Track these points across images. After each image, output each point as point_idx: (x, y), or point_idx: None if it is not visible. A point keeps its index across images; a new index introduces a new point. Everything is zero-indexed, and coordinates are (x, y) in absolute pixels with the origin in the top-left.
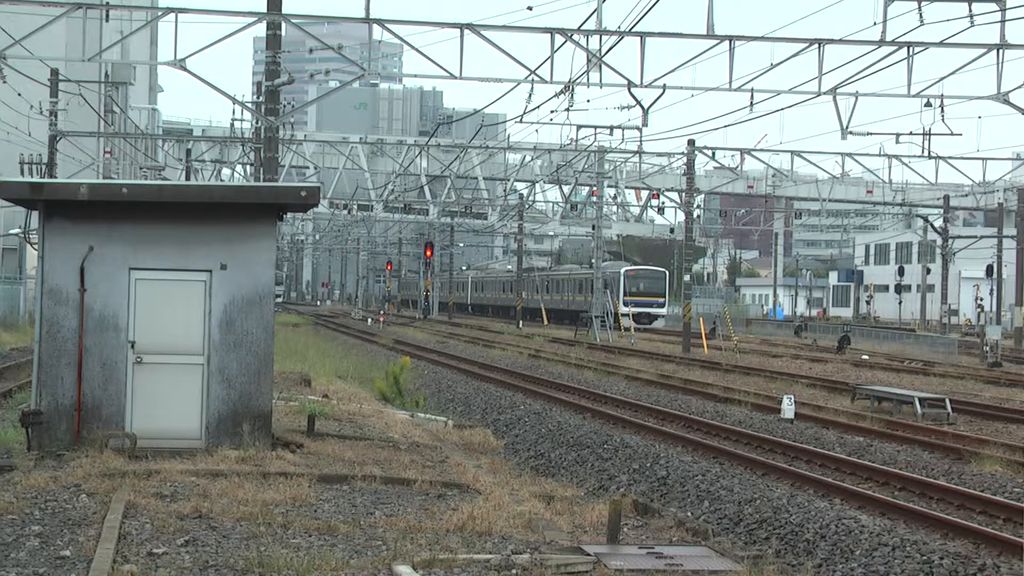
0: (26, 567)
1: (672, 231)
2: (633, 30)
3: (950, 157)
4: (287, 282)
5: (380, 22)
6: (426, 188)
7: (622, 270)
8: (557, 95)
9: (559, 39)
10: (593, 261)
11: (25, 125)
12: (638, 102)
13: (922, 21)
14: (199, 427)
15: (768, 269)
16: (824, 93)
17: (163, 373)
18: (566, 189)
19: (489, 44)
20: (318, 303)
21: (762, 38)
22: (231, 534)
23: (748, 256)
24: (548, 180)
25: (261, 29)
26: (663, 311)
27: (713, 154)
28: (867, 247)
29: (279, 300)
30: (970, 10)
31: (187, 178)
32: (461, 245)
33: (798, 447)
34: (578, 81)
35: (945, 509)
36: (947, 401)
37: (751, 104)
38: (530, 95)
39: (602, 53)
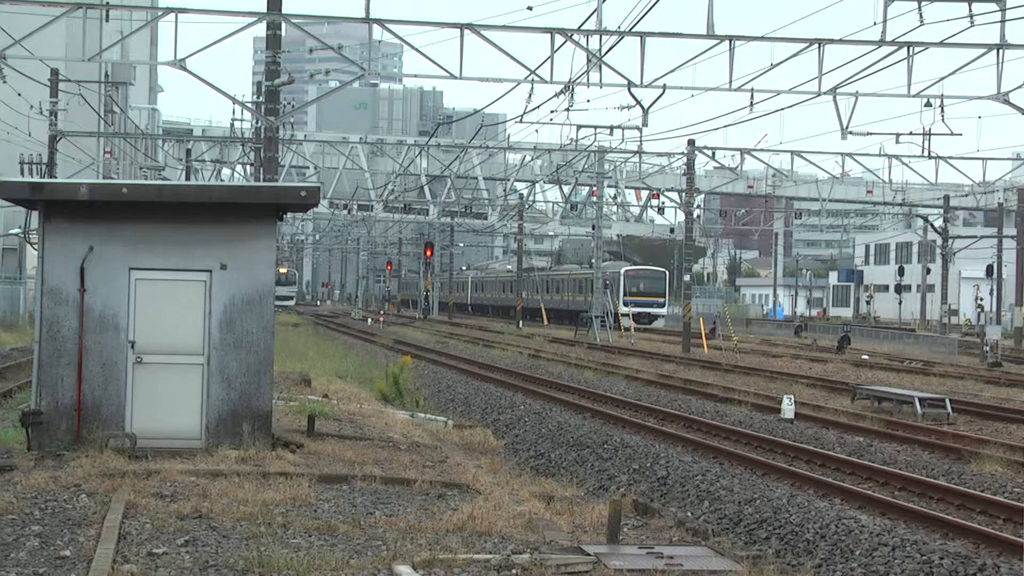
0: (26, 567)
1: (672, 231)
2: (633, 30)
3: (950, 157)
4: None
5: (380, 22)
6: (426, 188)
7: (622, 270)
8: (557, 95)
9: (559, 39)
10: (593, 261)
11: (25, 125)
12: (638, 102)
13: (922, 21)
14: (199, 427)
15: (768, 269)
16: (824, 93)
17: (163, 373)
18: (566, 189)
19: (489, 44)
20: (318, 303)
21: (762, 38)
22: (231, 534)
23: (748, 256)
24: (548, 180)
25: (261, 29)
26: (663, 311)
27: (713, 154)
28: (867, 247)
29: (290, 303)
30: (970, 10)
31: (187, 178)
32: (461, 245)
33: (798, 447)
34: (578, 81)
35: (945, 509)
36: (947, 401)
37: (751, 104)
38: (530, 95)
39: (602, 53)
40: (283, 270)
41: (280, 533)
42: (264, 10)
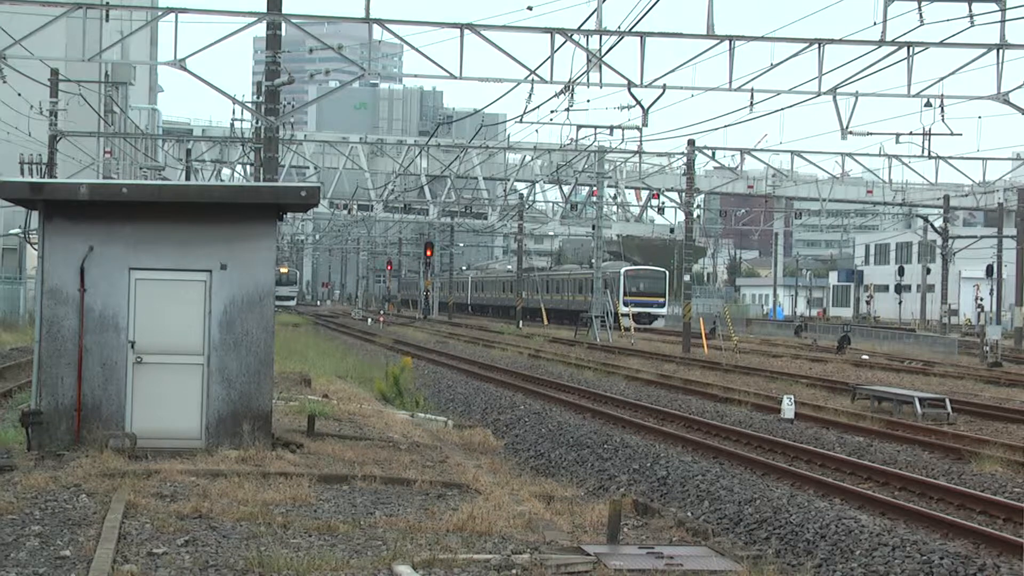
0: (26, 567)
1: (672, 231)
2: (633, 30)
3: (950, 157)
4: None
5: (380, 22)
6: (426, 188)
7: (622, 270)
8: (557, 95)
9: (559, 39)
10: (593, 261)
11: (25, 125)
12: (638, 102)
13: (922, 21)
14: (199, 427)
15: (768, 269)
16: (824, 93)
17: (163, 373)
18: (566, 189)
19: (489, 44)
20: (318, 303)
21: (762, 38)
22: (231, 534)
23: (748, 256)
24: (548, 180)
25: (261, 29)
26: (663, 311)
27: (713, 154)
28: (867, 247)
29: (291, 303)
30: (970, 10)
31: (187, 178)
32: (461, 245)
33: (798, 447)
34: (578, 81)
35: (945, 509)
36: (947, 401)
37: (751, 104)
38: (530, 95)
39: (602, 53)
40: (284, 270)
41: (280, 533)
42: (264, 10)
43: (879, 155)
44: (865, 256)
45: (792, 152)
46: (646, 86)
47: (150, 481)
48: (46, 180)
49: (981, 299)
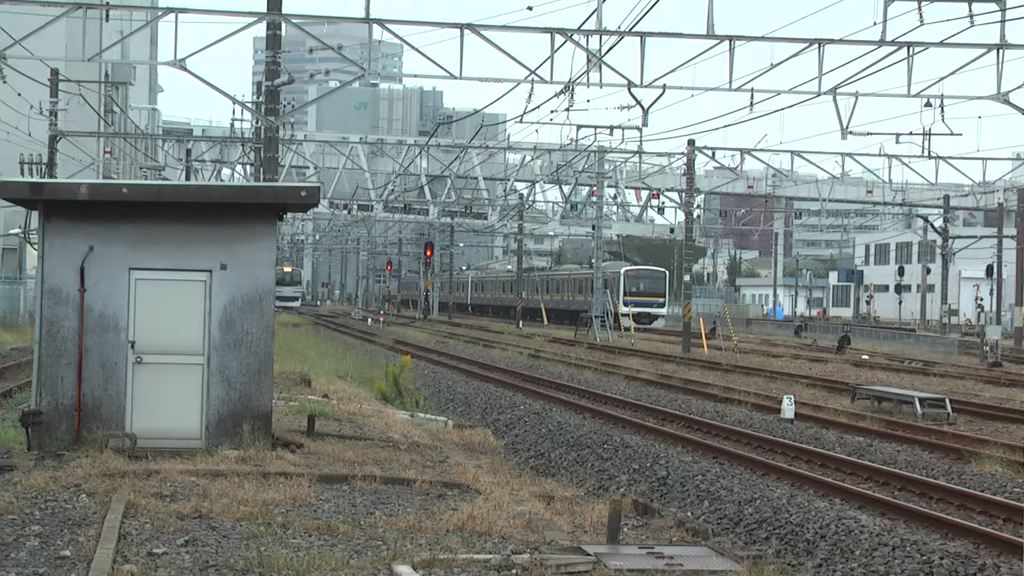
0: (26, 567)
1: (672, 231)
2: (633, 30)
3: (950, 157)
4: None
5: (380, 22)
6: (426, 188)
7: (622, 270)
8: (557, 95)
9: (559, 39)
10: (593, 261)
11: (25, 125)
12: (638, 102)
13: (922, 21)
14: (199, 427)
15: (768, 269)
16: (824, 93)
17: (163, 373)
18: (566, 189)
19: (489, 44)
20: (318, 303)
21: (762, 38)
22: (231, 534)
23: (748, 256)
24: (548, 180)
25: (261, 29)
26: (663, 311)
27: (713, 154)
28: (867, 247)
29: (295, 304)
30: (970, 10)
31: (187, 178)
32: (461, 245)
33: (798, 447)
34: (578, 81)
35: (945, 509)
36: (947, 401)
37: (751, 104)
38: (530, 95)
39: (602, 53)
40: (288, 269)
41: (280, 533)
42: (264, 10)
43: (879, 155)
44: (865, 256)
45: (792, 152)
46: (646, 86)
47: (150, 481)
48: (46, 180)
49: (981, 299)
